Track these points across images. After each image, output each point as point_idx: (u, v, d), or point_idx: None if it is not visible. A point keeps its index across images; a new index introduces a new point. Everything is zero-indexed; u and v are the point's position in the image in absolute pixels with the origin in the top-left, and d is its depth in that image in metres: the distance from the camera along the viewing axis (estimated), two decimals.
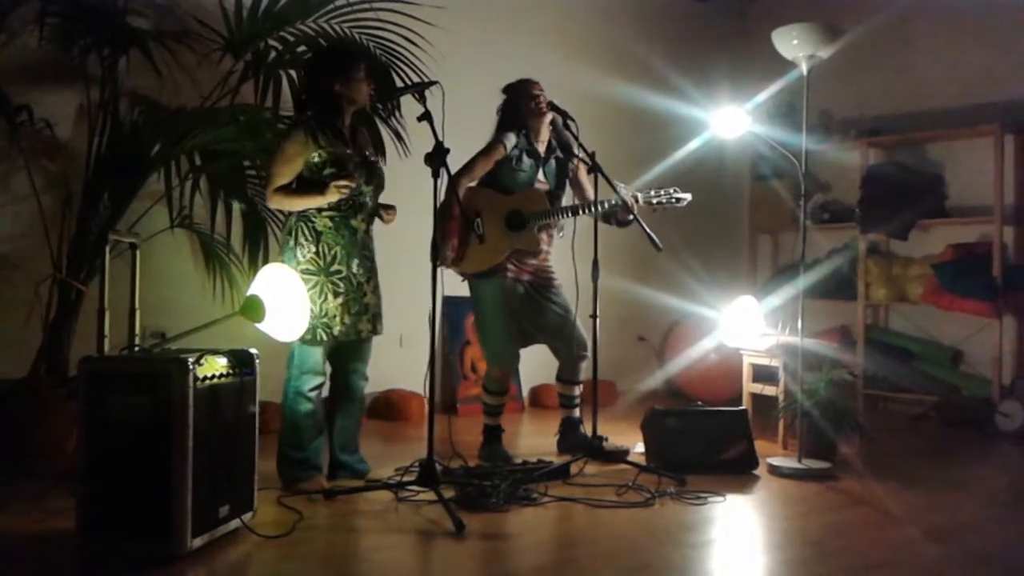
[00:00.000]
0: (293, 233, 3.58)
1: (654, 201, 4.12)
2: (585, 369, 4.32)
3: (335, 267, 3.56)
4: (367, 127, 3.95)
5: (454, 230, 4.08)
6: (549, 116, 4.19)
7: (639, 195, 4.13)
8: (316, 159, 3.50)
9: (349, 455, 3.74)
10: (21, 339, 3.97)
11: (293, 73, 4.42)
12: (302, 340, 3.50)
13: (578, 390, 4.41)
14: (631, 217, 4.02)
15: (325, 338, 3.55)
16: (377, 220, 3.75)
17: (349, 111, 3.62)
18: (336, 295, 3.55)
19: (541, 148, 4.25)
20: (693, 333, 6.32)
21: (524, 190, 4.17)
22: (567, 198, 4.38)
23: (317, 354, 3.59)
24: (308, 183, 3.52)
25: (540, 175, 4.23)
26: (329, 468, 3.72)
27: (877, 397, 6.24)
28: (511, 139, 4.16)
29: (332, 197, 3.47)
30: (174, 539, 2.61)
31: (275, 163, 3.53)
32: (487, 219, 4.11)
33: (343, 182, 3.44)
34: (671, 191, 4.14)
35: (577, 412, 4.42)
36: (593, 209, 4.08)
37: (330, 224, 3.56)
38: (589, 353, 4.29)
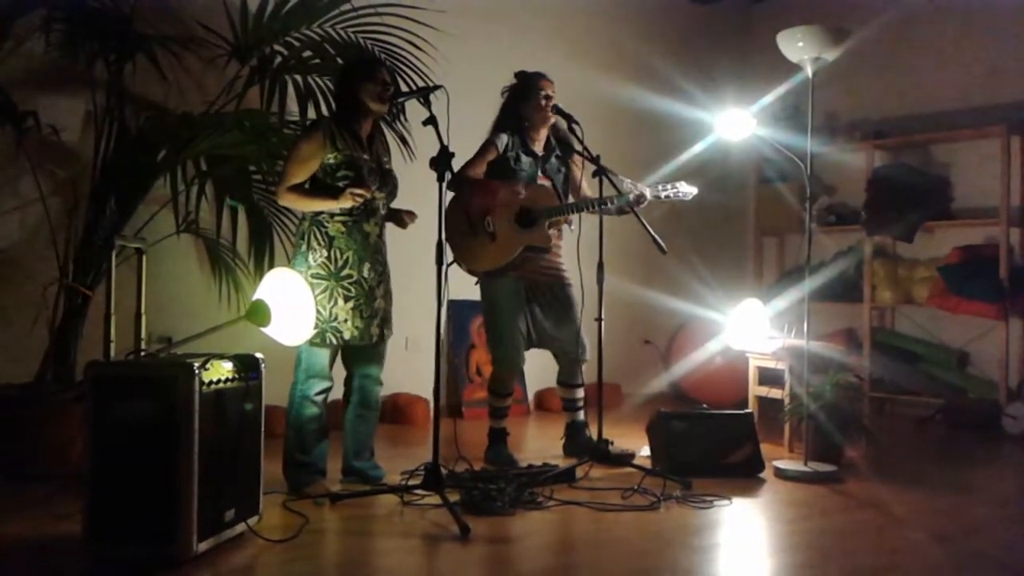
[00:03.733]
0: (306, 237, 3.59)
1: (662, 195, 4.16)
2: (588, 372, 4.32)
3: (346, 271, 3.57)
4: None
5: (489, 188, 4.10)
6: (552, 119, 4.21)
7: (647, 190, 4.15)
8: (331, 161, 3.51)
9: (363, 461, 3.74)
10: (28, 344, 3.99)
11: (298, 78, 4.44)
12: (311, 343, 3.52)
13: (579, 393, 4.41)
14: (634, 210, 4.03)
15: (334, 341, 3.56)
16: (392, 224, 3.77)
17: (368, 116, 3.64)
18: (347, 299, 3.56)
19: (539, 146, 4.26)
20: (699, 336, 6.32)
21: (531, 187, 4.18)
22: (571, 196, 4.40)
23: (324, 358, 3.60)
24: (322, 186, 3.54)
25: (540, 173, 4.24)
26: (342, 473, 3.73)
27: (883, 400, 6.22)
28: (503, 139, 4.17)
29: (345, 203, 3.48)
30: (180, 543, 2.61)
31: (290, 161, 3.55)
32: (497, 217, 4.11)
33: (358, 190, 3.45)
34: (678, 185, 4.17)
35: (581, 415, 4.43)
36: (602, 204, 4.08)
37: (343, 229, 3.57)
38: (589, 356, 4.29)
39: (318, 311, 3.49)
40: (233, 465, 2.86)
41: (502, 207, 4.09)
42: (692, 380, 6.47)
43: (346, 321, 3.56)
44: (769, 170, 6.85)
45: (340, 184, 3.50)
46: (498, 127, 4.24)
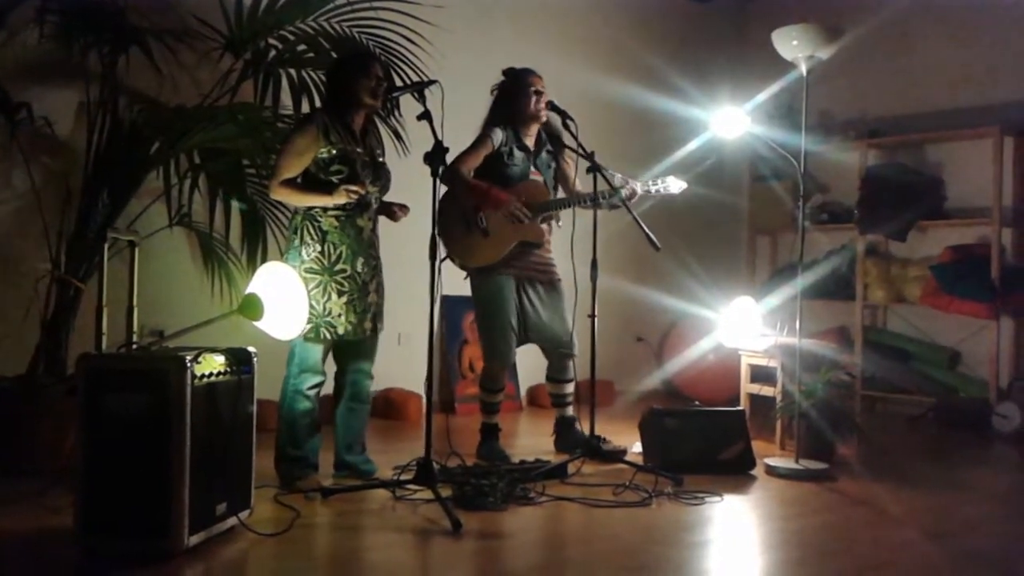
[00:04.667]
0: (299, 232, 3.57)
1: (652, 190, 4.18)
2: (578, 368, 4.33)
3: (339, 266, 3.56)
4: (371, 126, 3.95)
5: (481, 192, 4.09)
6: (544, 117, 4.20)
7: (637, 185, 4.16)
8: (324, 155, 3.50)
9: (355, 455, 3.74)
10: (19, 336, 3.97)
11: (292, 72, 4.42)
12: (305, 338, 3.51)
13: (568, 388, 4.41)
14: (626, 206, 4.05)
15: (329, 337, 3.55)
16: (384, 218, 3.77)
17: (361, 110, 3.63)
18: (340, 294, 3.55)
19: (531, 141, 4.26)
20: (691, 333, 6.32)
21: (524, 182, 4.18)
22: (561, 191, 4.40)
23: (318, 353, 3.59)
24: (315, 182, 3.52)
25: (532, 168, 4.24)
26: (334, 467, 3.72)
27: (875, 398, 6.24)
28: (498, 134, 4.17)
29: (339, 199, 3.47)
30: (171, 536, 2.61)
31: (283, 155, 3.52)
32: (489, 213, 4.11)
33: (353, 187, 3.44)
34: (667, 180, 4.21)
35: (570, 410, 4.43)
36: (595, 201, 4.08)
37: (336, 223, 3.56)
38: (578, 352, 4.30)
39: (312, 306, 3.49)
40: (225, 459, 2.86)
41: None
42: (685, 377, 6.47)
43: (339, 316, 3.56)
44: (763, 168, 6.86)
45: (334, 179, 3.49)
46: (491, 123, 4.23)
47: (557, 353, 4.36)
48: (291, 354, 3.61)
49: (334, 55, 4.31)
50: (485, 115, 4.28)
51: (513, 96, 4.21)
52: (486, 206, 4.09)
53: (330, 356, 3.71)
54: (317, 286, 3.53)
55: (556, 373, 4.42)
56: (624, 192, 4.11)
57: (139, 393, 2.65)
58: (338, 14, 4.42)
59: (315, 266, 3.54)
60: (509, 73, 4.26)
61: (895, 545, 3.04)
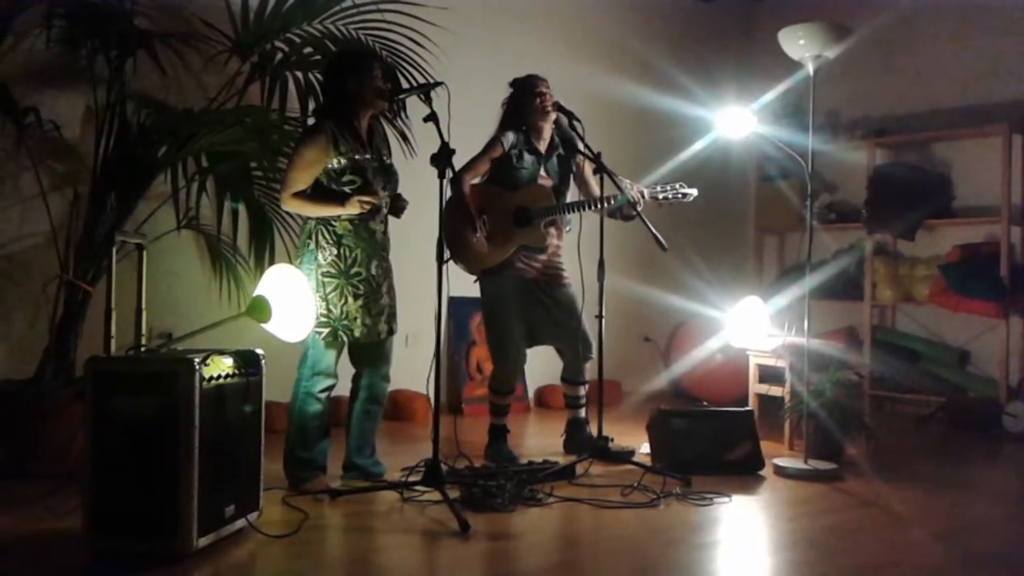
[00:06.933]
0: (313, 236, 3.57)
1: (660, 196, 4.17)
2: (590, 369, 4.33)
3: (355, 269, 3.56)
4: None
5: (469, 221, 4.09)
6: (553, 116, 4.20)
7: (645, 191, 4.16)
8: (335, 165, 3.49)
9: (364, 457, 3.74)
10: (28, 339, 3.99)
11: (299, 75, 4.43)
12: (324, 342, 3.52)
13: (583, 390, 4.41)
14: (635, 212, 4.05)
15: (346, 339, 3.55)
16: (391, 219, 3.76)
17: (365, 113, 3.62)
18: (356, 297, 3.56)
19: (542, 145, 4.26)
20: (699, 333, 6.32)
21: (529, 186, 4.18)
22: (572, 195, 4.39)
23: (331, 356, 3.59)
24: (328, 192, 3.52)
25: (542, 172, 4.24)
26: (343, 469, 3.73)
27: (884, 398, 6.23)
28: (509, 137, 4.17)
29: (352, 210, 3.47)
30: (180, 538, 2.62)
31: (294, 167, 3.50)
32: (493, 216, 4.12)
33: (367, 198, 3.45)
34: (677, 186, 4.19)
35: (583, 412, 4.43)
36: (599, 205, 4.08)
37: (350, 227, 3.56)
38: (595, 354, 4.29)
39: (329, 310, 3.50)
40: (233, 461, 2.87)
41: (497, 206, 4.10)
42: (692, 377, 6.47)
43: (356, 319, 3.56)
44: (770, 168, 6.85)
45: (346, 189, 3.49)
46: (503, 128, 4.23)
47: (573, 355, 4.35)
48: (304, 356, 3.61)
49: None
50: (496, 126, 4.27)
51: (520, 100, 4.21)
52: (491, 204, 4.09)
53: (345, 359, 3.71)
54: (334, 289, 3.53)
55: (572, 375, 4.41)
56: (631, 195, 4.10)
57: (148, 396, 2.66)
58: (344, 16, 4.43)
59: (332, 270, 3.54)
60: (515, 83, 4.27)
61: (903, 545, 3.03)
